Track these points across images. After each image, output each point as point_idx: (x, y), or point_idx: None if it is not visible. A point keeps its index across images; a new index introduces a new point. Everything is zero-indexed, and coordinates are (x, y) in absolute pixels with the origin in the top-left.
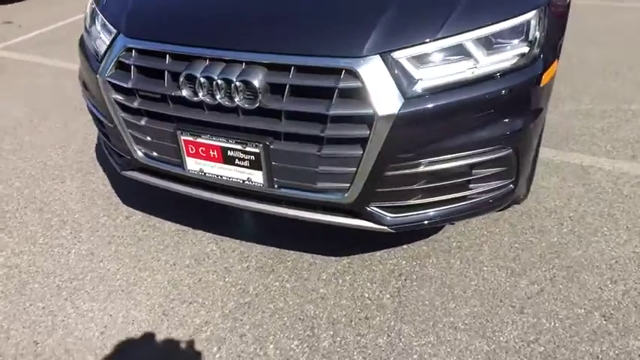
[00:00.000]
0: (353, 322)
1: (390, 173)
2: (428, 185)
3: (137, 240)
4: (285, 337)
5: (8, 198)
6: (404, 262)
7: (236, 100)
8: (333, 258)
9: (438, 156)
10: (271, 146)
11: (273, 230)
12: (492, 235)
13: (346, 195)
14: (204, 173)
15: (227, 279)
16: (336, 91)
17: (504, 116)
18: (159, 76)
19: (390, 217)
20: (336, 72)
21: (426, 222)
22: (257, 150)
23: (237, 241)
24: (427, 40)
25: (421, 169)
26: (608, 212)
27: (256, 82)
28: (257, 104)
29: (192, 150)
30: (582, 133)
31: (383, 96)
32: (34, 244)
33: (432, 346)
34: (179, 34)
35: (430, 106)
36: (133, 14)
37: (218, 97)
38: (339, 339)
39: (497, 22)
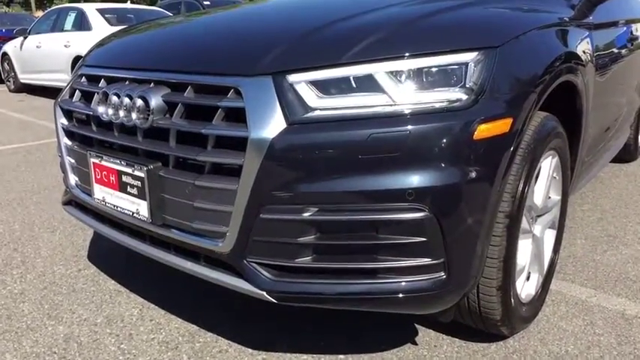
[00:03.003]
0: None
1: (266, 216)
2: (319, 243)
3: (70, 291)
4: None
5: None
6: None
7: (134, 117)
8: (249, 350)
9: (328, 203)
10: (156, 172)
11: (212, 303)
12: None
13: (222, 242)
14: (105, 202)
15: (122, 345)
16: (219, 110)
17: (419, 166)
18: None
19: (270, 279)
20: (223, 91)
21: (316, 297)
22: (142, 174)
23: (163, 311)
24: (330, 63)
25: (305, 217)
26: None
27: (153, 100)
28: (149, 123)
29: (98, 175)
30: (638, 279)
31: (263, 119)
32: None
33: None
34: (115, 60)
35: (319, 136)
36: (97, 48)
37: (121, 113)
38: None
39: (420, 56)
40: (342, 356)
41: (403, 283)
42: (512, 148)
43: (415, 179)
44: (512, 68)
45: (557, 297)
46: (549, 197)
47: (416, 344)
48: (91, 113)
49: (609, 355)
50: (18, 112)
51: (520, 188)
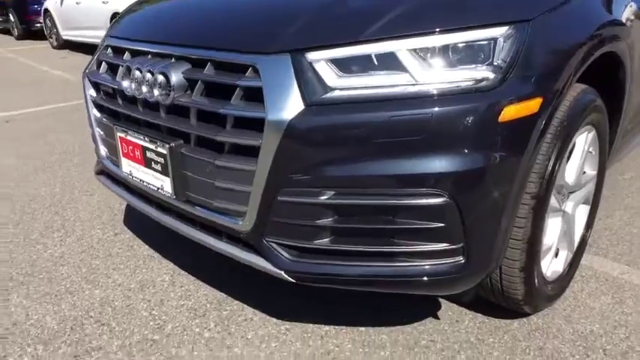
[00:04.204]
0: None
1: (284, 198)
2: (337, 225)
3: (107, 255)
4: None
5: (41, 198)
6: (350, 345)
7: (156, 93)
8: (273, 320)
9: (346, 187)
10: (178, 149)
11: (241, 274)
12: (480, 345)
13: (242, 221)
14: (132, 176)
15: (154, 311)
16: (237, 89)
17: (439, 151)
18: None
19: (289, 259)
20: (241, 69)
21: (335, 278)
22: (165, 151)
23: (193, 278)
24: (351, 40)
25: (323, 200)
26: None
27: (173, 76)
28: (170, 99)
29: (124, 149)
30: None
31: (281, 99)
32: (27, 237)
33: None
34: (139, 32)
35: (338, 118)
36: (122, 19)
37: (144, 89)
38: None
39: (444, 32)
40: (362, 328)
41: (420, 267)
42: (541, 129)
43: (435, 164)
44: (546, 43)
45: (587, 272)
46: (584, 172)
47: (438, 318)
48: (117, 87)
49: (636, 335)
50: (60, 70)
51: (549, 168)
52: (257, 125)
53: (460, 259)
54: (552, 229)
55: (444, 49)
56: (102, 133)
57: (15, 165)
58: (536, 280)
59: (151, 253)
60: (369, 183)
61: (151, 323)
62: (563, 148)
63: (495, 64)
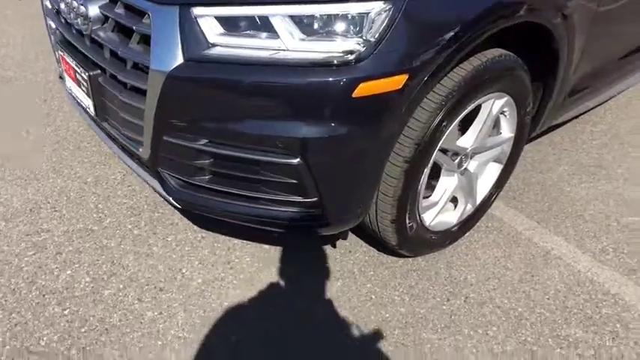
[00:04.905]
0: (144, 292)
1: (168, 139)
2: (212, 168)
3: (75, 148)
4: (86, 271)
5: (37, 84)
6: (248, 259)
7: (79, 22)
8: (194, 227)
9: (217, 138)
10: (96, 79)
11: None
12: (359, 276)
13: (142, 149)
14: (72, 92)
15: (100, 205)
16: (134, 34)
17: (295, 117)
18: None
19: (176, 188)
20: (140, 14)
21: (213, 210)
22: (86, 77)
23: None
24: (234, 0)
25: (199, 145)
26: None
27: (90, 9)
28: (89, 31)
29: (65, 66)
30: (593, 219)
31: (164, 51)
32: (13, 123)
33: None
34: None
35: (210, 77)
36: None
37: (71, 16)
38: (121, 295)
39: (320, 2)
40: (266, 246)
41: (280, 212)
42: (409, 102)
43: (291, 129)
44: (423, 20)
45: (494, 224)
46: (500, 134)
47: (335, 247)
48: (57, 8)
49: (502, 289)
50: None
51: (428, 136)
52: (142, 70)
53: (314, 210)
54: (443, 186)
55: (316, 19)
56: (54, 43)
57: (20, 46)
58: (408, 231)
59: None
60: (236, 138)
61: (94, 215)
62: (450, 116)
63: (365, 38)
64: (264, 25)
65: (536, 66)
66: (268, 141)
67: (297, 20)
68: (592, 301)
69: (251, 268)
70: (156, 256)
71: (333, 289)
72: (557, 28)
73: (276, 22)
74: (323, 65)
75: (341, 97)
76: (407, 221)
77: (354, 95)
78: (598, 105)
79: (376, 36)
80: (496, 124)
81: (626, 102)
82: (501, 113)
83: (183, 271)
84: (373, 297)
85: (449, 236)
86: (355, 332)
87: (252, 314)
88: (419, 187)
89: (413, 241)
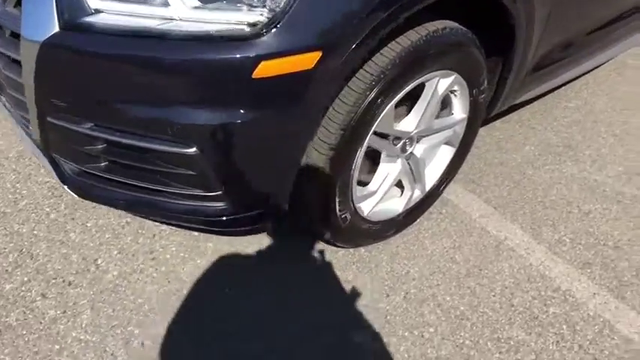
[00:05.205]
0: (50, 286)
1: (52, 120)
2: (107, 157)
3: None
4: None
5: None
6: (174, 249)
7: None
8: (118, 212)
9: (102, 121)
10: None
11: None
12: (285, 268)
13: (31, 129)
14: None
15: (18, 184)
16: None
17: (187, 100)
18: None
19: (70, 175)
20: None
21: (113, 202)
22: None
23: None
24: None
25: (84, 130)
26: (462, 313)
27: None
28: None
29: None
30: (553, 206)
31: (37, 15)
32: None
33: None
34: None
35: (90, 49)
36: None
37: None
38: (23, 290)
39: None
40: (195, 234)
41: (186, 207)
42: (323, 85)
43: (184, 114)
44: None
45: (449, 211)
46: (452, 114)
47: (271, 235)
48: None
49: (445, 285)
50: None
51: (355, 120)
52: (17, 41)
53: (221, 204)
54: (383, 173)
55: None
56: None
57: None
58: (343, 222)
59: None
60: (123, 122)
61: (10, 196)
62: (383, 97)
63: (269, 7)
64: None
65: (493, 40)
66: (159, 127)
67: None
68: (540, 299)
69: (175, 260)
70: (71, 245)
71: (260, 282)
72: (510, 2)
73: None
74: (218, 39)
75: (238, 78)
76: (338, 212)
77: (254, 76)
78: (567, 82)
79: (281, 5)
80: (447, 104)
81: (605, 76)
82: (451, 92)
83: (99, 261)
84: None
85: (394, 225)
86: (279, 335)
87: (160, 314)
88: (350, 175)
89: (349, 232)
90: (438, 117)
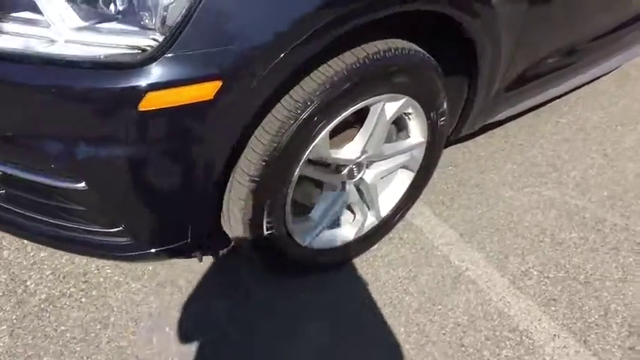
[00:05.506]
0: None
1: None
2: (4, 187)
3: None
4: None
5: None
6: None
7: None
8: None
9: None
10: None
11: None
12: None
13: None
14: None
15: None
16: None
17: (74, 132)
18: None
19: None
20: None
21: (16, 230)
22: None
23: None
24: None
25: None
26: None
27: None
28: None
29: None
30: (525, 234)
31: None
32: None
33: None
34: None
35: None
36: None
37: None
38: None
39: None
40: None
41: (94, 241)
42: (231, 116)
43: (68, 148)
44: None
45: (410, 236)
46: (408, 137)
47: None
48: None
49: (394, 320)
50: None
51: (279, 150)
52: None
53: (126, 239)
54: (324, 202)
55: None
56: None
57: None
58: (276, 253)
59: None
60: (9, 154)
61: None
62: (313, 125)
63: (157, 29)
64: (34, 6)
65: (455, 59)
66: (43, 160)
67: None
68: (494, 340)
69: (108, 283)
70: (2, 263)
71: (193, 312)
72: (467, 17)
73: (44, 3)
74: (103, 66)
75: (123, 110)
76: (268, 246)
77: (140, 108)
78: (551, 100)
79: (172, 26)
80: (403, 127)
81: (604, 89)
82: (405, 115)
83: (28, 283)
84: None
85: (346, 252)
86: None
87: (80, 345)
88: (281, 206)
89: (288, 261)
90: (395, 140)
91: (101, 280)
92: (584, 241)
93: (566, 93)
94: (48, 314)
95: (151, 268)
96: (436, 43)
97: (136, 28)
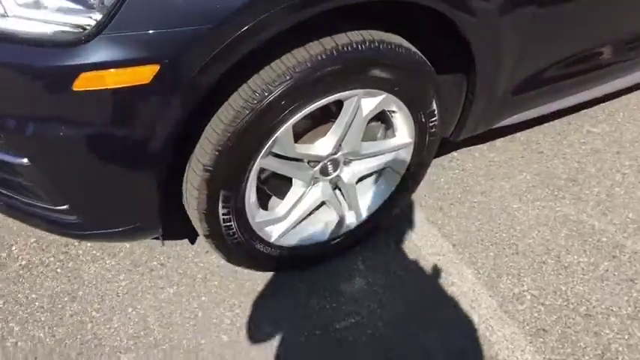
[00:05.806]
0: None
1: None
2: None
3: None
4: None
5: None
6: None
7: None
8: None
9: None
10: None
11: None
12: (180, 281)
13: None
14: None
15: None
16: None
17: (15, 106)
18: None
19: None
20: None
21: None
22: None
23: None
24: None
25: None
26: None
27: None
28: None
29: None
30: (527, 252)
31: None
32: None
33: None
34: None
35: None
36: None
37: None
38: None
39: None
40: None
41: (47, 217)
42: (175, 101)
43: (11, 122)
44: None
45: (397, 243)
46: (394, 136)
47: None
48: None
49: (358, 339)
50: None
51: (232, 141)
52: None
53: (73, 218)
54: (292, 198)
55: None
56: None
57: None
58: (238, 247)
59: None
60: None
61: None
62: (273, 117)
63: (96, 9)
64: None
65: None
66: None
67: None
68: None
69: (85, 257)
70: None
71: (162, 298)
72: (459, 13)
73: None
74: (45, 44)
75: (58, 90)
76: (227, 237)
77: (74, 88)
78: (584, 106)
79: (109, 6)
80: (390, 125)
81: None
82: (389, 112)
83: (13, 248)
84: (199, 314)
85: (320, 253)
86: None
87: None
88: (239, 199)
89: (254, 258)
90: (380, 139)
91: (80, 252)
92: (594, 267)
93: (599, 101)
94: (23, 281)
95: (128, 246)
96: (434, 41)
97: (80, 7)
